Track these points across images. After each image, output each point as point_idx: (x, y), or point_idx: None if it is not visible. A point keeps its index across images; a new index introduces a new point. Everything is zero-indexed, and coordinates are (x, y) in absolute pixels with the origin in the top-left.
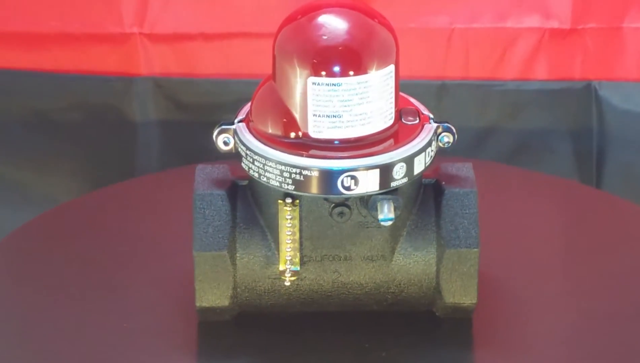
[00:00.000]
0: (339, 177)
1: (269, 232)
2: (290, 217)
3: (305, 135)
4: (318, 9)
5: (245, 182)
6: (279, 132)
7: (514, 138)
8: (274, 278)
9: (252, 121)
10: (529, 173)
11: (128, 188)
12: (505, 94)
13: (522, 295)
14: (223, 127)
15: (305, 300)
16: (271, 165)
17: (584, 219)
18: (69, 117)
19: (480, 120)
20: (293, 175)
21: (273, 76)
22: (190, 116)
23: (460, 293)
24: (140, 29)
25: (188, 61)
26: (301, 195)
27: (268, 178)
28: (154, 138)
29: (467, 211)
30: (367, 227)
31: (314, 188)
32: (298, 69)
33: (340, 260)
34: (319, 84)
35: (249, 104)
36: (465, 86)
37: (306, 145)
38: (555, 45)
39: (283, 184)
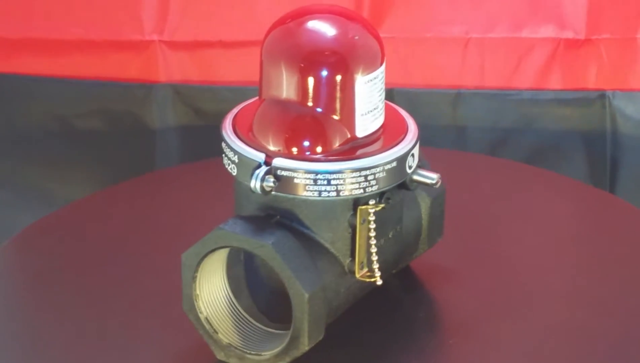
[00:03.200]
0: (406, 159)
1: (332, 246)
2: (373, 218)
3: (353, 137)
4: (308, 14)
5: (277, 218)
6: (323, 145)
7: (528, 147)
8: (344, 290)
9: (280, 149)
10: (546, 173)
11: (141, 183)
12: (520, 103)
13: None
14: (262, 170)
15: (353, 299)
16: (353, 176)
17: (596, 223)
18: (89, 124)
19: (495, 129)
20: (377, 175)
21: (287, 95)
22: (209, 123)
23: (436, 234)
24: (160, 37)
25: (207, 68)
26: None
27: (350, 189)
28: (173, 144)
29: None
30: (394, 207)
31: (392, 179)
32: (344, 74)
33: (382, 245)
34: (367, 82)
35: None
36: (480, 95)
37: (357, 146)
38: (570, 56)
39: (367, 188)
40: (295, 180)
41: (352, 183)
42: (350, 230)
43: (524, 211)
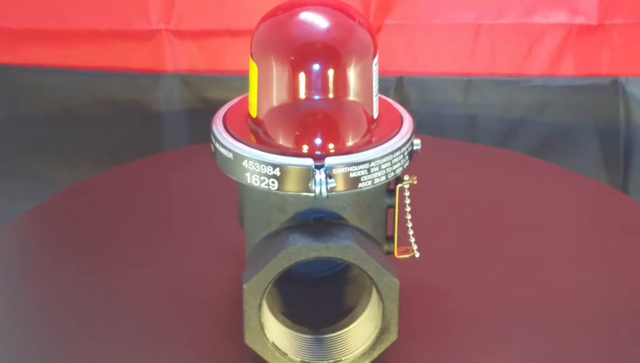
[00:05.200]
0: (414, 131)
1: (374, 232)
2: (407, 194)
3: (372, 119)
4: (302, 5)
5: (324, 219)
6: (361, 133)
7: (540, 134)
8: None
9: (325, 147)
10: (551, 167)
11: (140, 166)
12: (532, 89)
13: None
14: (322, 174)
15: None
16: (396, 156)
17: (600, 219)
18: (96, 114)
19: (506, 116)
20: (408, 150)
21: (307, 92)
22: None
23: None
24: (167, 26)
25: (214, 57)
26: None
27: (394, 170)
28: (180, 134)
29: None
30: None
31: (411, 151)
32: (366, 59)
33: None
34: (375, 64)
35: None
36: (491, 82)
37: (373, 128)
38: (582, 41)
39: (405, 165)
40: (352, 175)
41: (396, 163)
42: (386, 211)
43: (525, 205)
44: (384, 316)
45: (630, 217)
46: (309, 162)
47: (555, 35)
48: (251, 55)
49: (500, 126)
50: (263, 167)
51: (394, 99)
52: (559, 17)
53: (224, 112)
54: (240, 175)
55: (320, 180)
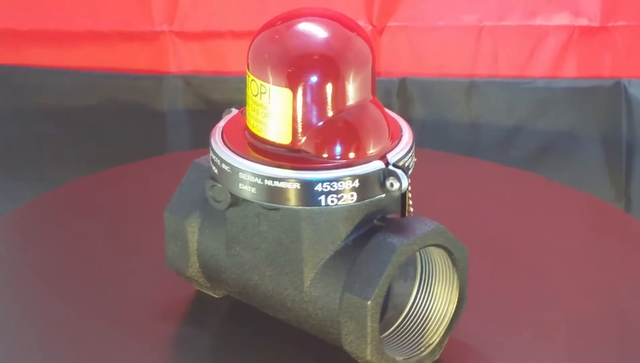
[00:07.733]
0: None
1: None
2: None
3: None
4: (299, 16)
5: (386, 216)
6: (387, 129)
7: (542, 135)
8: None
9: (384, 145)
10: (548, 182)
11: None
12: (534, 91)
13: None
14: (399, 170)
15: None
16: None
17: (593, 234)
18: (100, 114)
19: (509, 118)
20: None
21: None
22: (220, 114)
23: None
24: (170, 27)
25: (218, 59)
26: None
27: (412, 161)
28: (183, 135)
29: None
30: None
31: None
32: (372, 59)
33: None
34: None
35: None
36: (494, 84)
37: None
38: (585, 43)
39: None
40: (406, 164)
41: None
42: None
43: (522, 223)
44: (460, 288)
45: (630, 234)
46: (380, 164)
47: (557, 37)
48: (257, 74)
49: (503, 127)
50: (341, 184)
51: (397, 100)
52: (562, 19)
53: (224, 145)
54: (309, 201)
55: (403, 175)
